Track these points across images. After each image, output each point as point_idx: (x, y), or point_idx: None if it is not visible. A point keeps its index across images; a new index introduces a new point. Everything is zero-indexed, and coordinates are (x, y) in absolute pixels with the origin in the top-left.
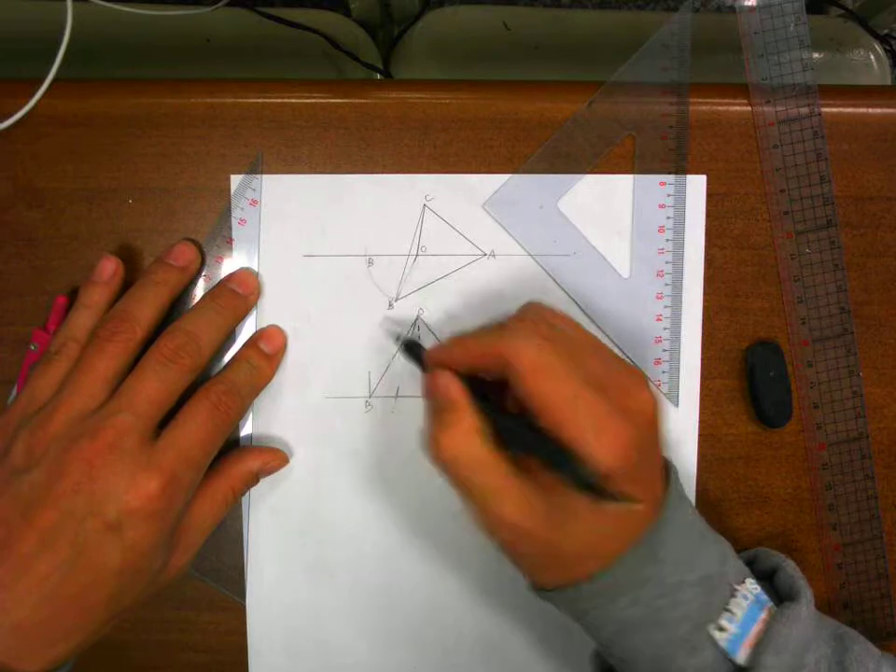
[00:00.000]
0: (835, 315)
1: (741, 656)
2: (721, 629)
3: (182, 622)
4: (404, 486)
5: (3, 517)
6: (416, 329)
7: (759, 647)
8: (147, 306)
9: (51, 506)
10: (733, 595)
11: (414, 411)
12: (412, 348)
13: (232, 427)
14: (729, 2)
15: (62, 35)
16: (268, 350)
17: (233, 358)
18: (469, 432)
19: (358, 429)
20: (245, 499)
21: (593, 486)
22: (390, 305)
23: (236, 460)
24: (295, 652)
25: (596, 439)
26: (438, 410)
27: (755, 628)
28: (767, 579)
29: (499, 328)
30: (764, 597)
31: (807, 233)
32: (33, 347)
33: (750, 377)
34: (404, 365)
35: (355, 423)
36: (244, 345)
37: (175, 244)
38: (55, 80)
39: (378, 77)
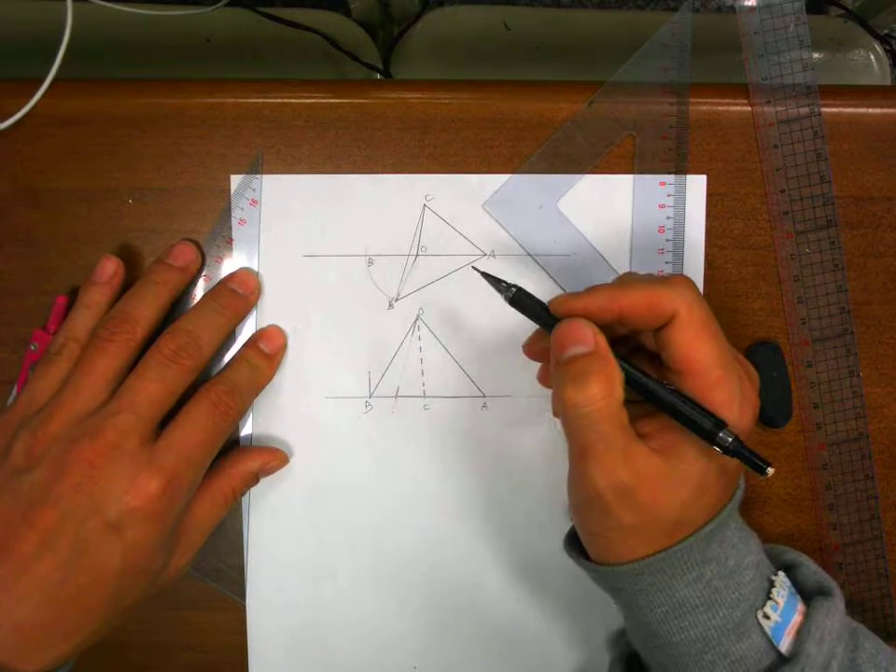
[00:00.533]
0: (835, 315)
1: (784, 645)
2: (767, 616)
3: (182, 622)
4: (404, 486)
5: (3, 517)
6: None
7: (801, 636)
8: (147, 306)
9: (52, 506)
10: (773, 585)
11: (414, 411)
12: (523, 299)
13: (233, 426)
14: (729, 2)
15: (62, 34)
16: (268, 350)
17: (233, 358)
18: (617, 384)
19: (358, 429)
20: (245, 499)
21: (738, 452)
22: (390, 305)
23: (236, 460)
24: (295, 652)
25: (740, 407)
26: (578, 359)
27: (795, 618)
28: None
29: (658, 280)
30: (794, 589)
31: (807, 233)
32: (33, 347)
33: None
34: (404, 365)
35: (355, 423)
36: (244, 345)
37: (174, 244)
38: (55, 80)
39: (378, 76)
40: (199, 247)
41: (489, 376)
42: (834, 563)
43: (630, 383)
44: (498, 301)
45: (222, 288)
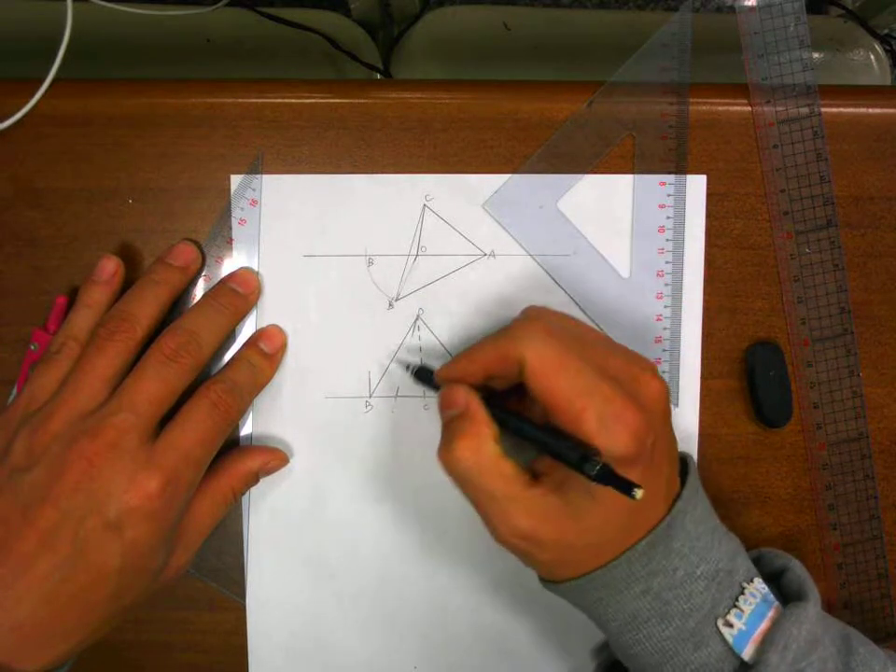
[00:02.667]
0: (835, 315)
1: (747, 653)
2: (729, 625)
3: (182, 622)
4: (404, 486)
5: (3, 516)
6: (420, 353)
7: (764, 644)
8: (147, 305)
9: (51, 505)
10: (741, 592)
11: (414, 411)
12: (422, 374)
13: (232, 426)
14: (729, 2)
15: (62, 34)
16: (268, 349)
17: (233, 358)
18: (485, 440)
19: (358, 429)
20: (245, 499)
21: (605, 479)
22: (390, 305)
23: (236, 460)
24: (295, 652)
25: (610, 429)
26: (452, 421)
27: (762, 626)
28: (772, 580)
29: (504, 332)
30: (772, 597)
31: (807, 233)
32: (33, 347)
33: (750, 377)
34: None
35: (355, 423)
36: (244, 345)
37: (175, 244)
38: (55, 80)
39: (378, 76)
40: (199, 247)
41: None
42: (834, 563)
43: (509, 429)
44: (498, 301)
45: (222, 288)
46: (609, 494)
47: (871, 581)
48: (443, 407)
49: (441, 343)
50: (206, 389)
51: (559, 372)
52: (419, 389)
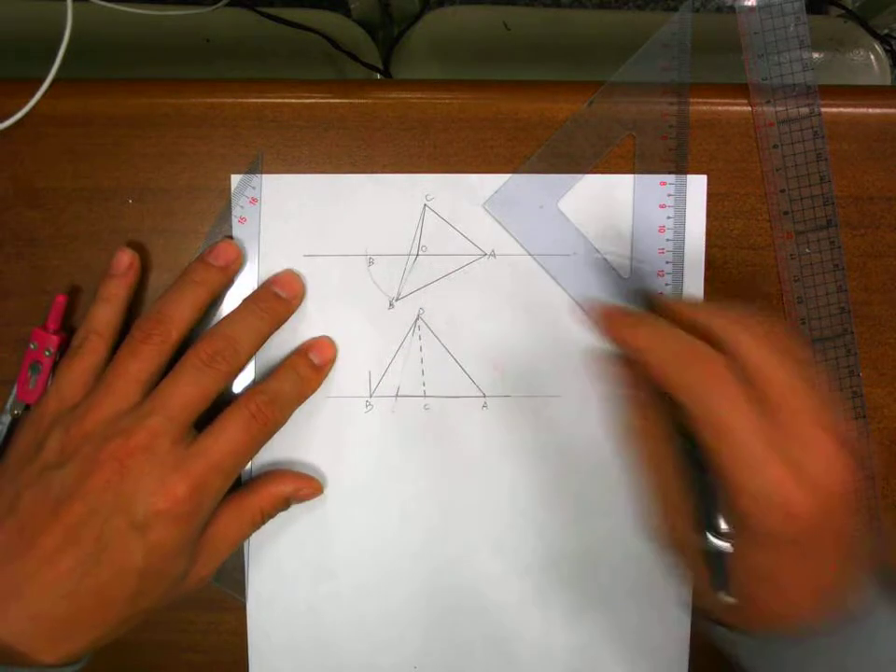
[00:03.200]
0: (835, 315)
1: None
2: None
3: (182, 622)
4: (404, 486)
5: (31, 511)
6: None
7: None
8: (183, 307)
9: (79, 501)
10: None
11: (415, 411)
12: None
13: (269, 437)
14: (729, 2)
15: (62, 34)
16: (317, 361)
17: (280, 366)
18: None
19: (359, 429)
20: None
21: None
22: (390, 305)
23: (269, 481)
24: (295, 652)
25: (764, 510)
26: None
27: None
28: None
29: (683, 346)
30: None
31: (807, 233)
32: (32, 346)
33: None
34: (404, 365)
35: (355, 423)
36: (292, 353)
37: (216, 242)
38: (55, 80)
39: (378, 76)
40: (240, 247)
41: (489, 376)
42: None
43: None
44: (499, 300)
45: (265, 292)
46: (747, 560)
47: None
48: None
49: (442, 344)
50: (248, 399)
51: (723, 436)
52: (419, 389)
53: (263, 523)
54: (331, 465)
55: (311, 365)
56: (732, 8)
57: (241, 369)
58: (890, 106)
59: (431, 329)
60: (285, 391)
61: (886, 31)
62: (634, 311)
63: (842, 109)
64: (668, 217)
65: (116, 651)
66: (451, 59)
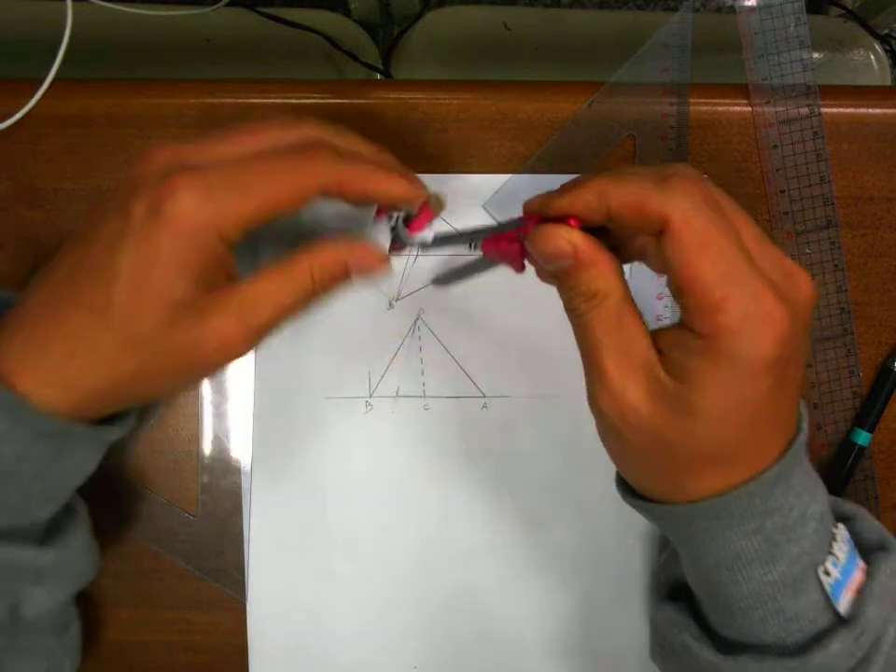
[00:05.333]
0: (835, 315)
1: (842, 604)
2: (827, 573)
3: (182, 622)
4: (404, 486)
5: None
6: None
7: (862, 596)
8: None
9: (104, 203)
10: (834, 539)
11: (415, 411)
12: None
13: (309, 188)
14: (729, 2)
15: (62, 34)
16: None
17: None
18: (617, 301)
19: (358, 429)
20: (245, 499)
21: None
22: (390, 305)
23: (326, 244)
24: (295, 652)
25: (755, 328)
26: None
27: (856, 575)
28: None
29: (653, 177)
30: (853, 543)
31: (807, 234)
32: None
33: None
34: (404, 365)
35: (355, 423)
36: None
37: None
38: (55, 80)
39: (378, 76)
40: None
41: (489, 376)
42: None
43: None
44: (500, 300)
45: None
46: (725, 394)
47: None
48: (548, 254)
49: (442, 344)
50: (308, 141)
51: (707, 249)
52: (419, 390)
53: (317, 293)
54: (331, 465)
55: (402, 172)
56: (732, 8)
57: (337, 185)
58: (890, 106)
59: (431, 329)
60: (357, 159)
61: (886, 31)
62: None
63: (842, 109)
64: None
65: (116, 651)
66: (451, 59)
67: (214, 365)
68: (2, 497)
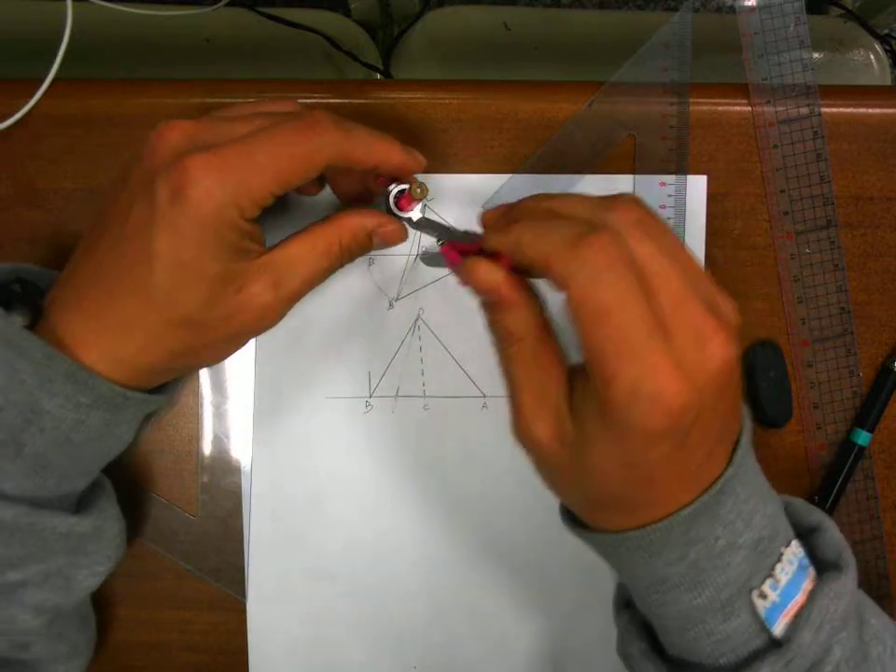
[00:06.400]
0: (835, 315)
1: (778, 627)
2: (763, 596)
3: (182, 622)
4: (404, 486)
5: (106, 200)
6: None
7: (798, 620)
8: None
9: (121, 182)
10: (779, 560)
11: (415, 410)
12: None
13: (315, 161)
14: (729, 2)
15: (62, 34)
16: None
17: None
18: (532, 343)
19: (358, 430)
20: (245, 499)
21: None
22: (390, 305)
23: (350, 213)
24: (295, 652)
25: (641, 403)
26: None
27: (797, 598)
28: (801, 535)
29: (571, 235)
30: (807, 562)
31: (807, 233)
32: None
33: (750, 377)
34: (404, 365)
35: (355, 423)
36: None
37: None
38: (55, 80)
39: (378, 76)
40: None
41: (489, 376)
42: None
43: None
44: None
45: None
46: (611, 457)
47: (871, 580)
48: (474, 287)
49: (442, 344)
50: (307, 109)
51: (602, 322)
52: (419, 390)
53: (342, 258)
54: (331, 465)
55: (398, 143)
56: (732, 8)
57: (340, 155)
58: (890, 106)
59: (431, 329)
60: (360, 130)
61: (886, 31)
62: (510, 209)
63: (842, 109)
64: (669, 218)
65: (116, 651)
66: (451, 59)
67: (253, 332)
68: (57, 464)
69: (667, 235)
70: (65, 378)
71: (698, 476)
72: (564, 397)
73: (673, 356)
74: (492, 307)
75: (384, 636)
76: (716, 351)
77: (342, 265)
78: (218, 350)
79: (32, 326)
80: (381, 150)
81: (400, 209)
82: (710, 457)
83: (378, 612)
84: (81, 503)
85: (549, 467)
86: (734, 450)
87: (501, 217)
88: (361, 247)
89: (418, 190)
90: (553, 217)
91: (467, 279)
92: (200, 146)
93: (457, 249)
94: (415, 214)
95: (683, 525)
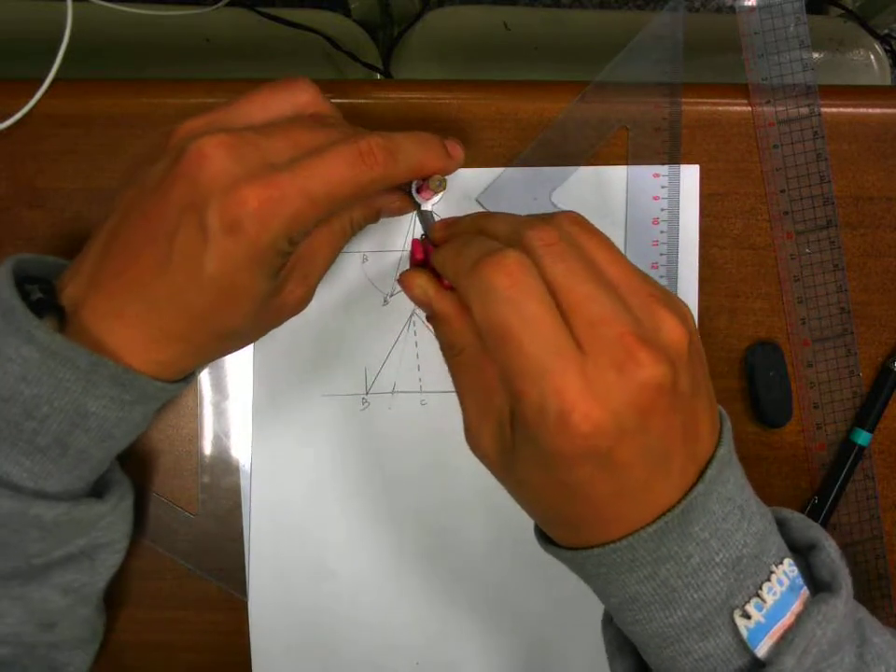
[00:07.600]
0: (835, 315)
1: (762, 649)
2: (747, 616)
3: (182, 622)
4: (402, 482)
5: (123, 207)
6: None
7: (782, 644)
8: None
9: (158, 193)
10: (767, 579)
11: (411, 407)
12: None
13: (368, 189)
14: (729, 2)
15: (62, 34)
16: (450, 150)
17: (407, 132)
18: (474, 354)
19: (356, 426)
20: (245, 499)
21: None
22: (385, 301)
23: None
24: (297, 651)
25: (552, 428)
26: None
27: (784, 620)
28: (799, 552)
29: (478, 254)
30: (800, 581)
31: (807, 233)
32: None
33: (750, 377)
34: (400, 361)
35: (352, 420)
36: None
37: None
38: (55, 80)
39: (378, 76)
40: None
41: None
42: None
43: None
44: None
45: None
46: (538, 473)
47: (871, 580)
48: (411, 299)
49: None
50: (360, 137)
51: (505, 339)
52: (416, 385)
53: (353, 234)
54: (329, 463)
55: (441, 146)
56: (732, 8)
57: (388, 181)
58: (890, 106)
59: (426, 324)
60: (405, 148)
61: (886, 31)
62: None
63: (842, 109)
64: (662, 209)
65: (116, 651)
66: (451, 59)
67: (285, 320)
68: (96, 457)
69: (601, 251)
70: (111, 382)
71: (654, 495)
72: (508, 409)
73: (586, 376)
74: (431, 318)
75: (385, 633)
76: (636, 372)
77: (352, 238)
78: (250, 342)
79: (61, 329)
80: (424, 166)
81: (422, 196)
82: (666, 476)
83: (379, 609)
84: (98, 482)
85: (498, 477)
86: (707, 466)
87: (444, 229)
88: (369, 221)
89: (437, 184)
90: (476, 236)
91: (405, 291)
92: (251, 170)
93: (425, 250)
94: (427, 204)
95: (650, 543)
